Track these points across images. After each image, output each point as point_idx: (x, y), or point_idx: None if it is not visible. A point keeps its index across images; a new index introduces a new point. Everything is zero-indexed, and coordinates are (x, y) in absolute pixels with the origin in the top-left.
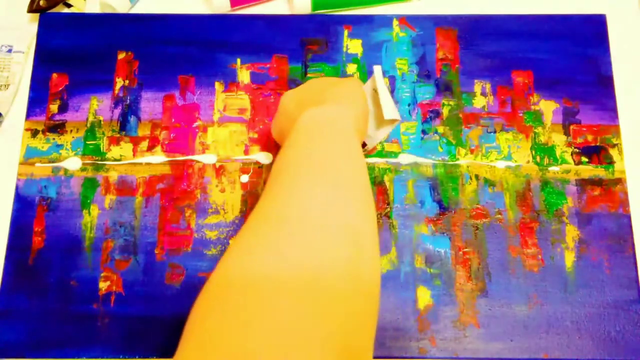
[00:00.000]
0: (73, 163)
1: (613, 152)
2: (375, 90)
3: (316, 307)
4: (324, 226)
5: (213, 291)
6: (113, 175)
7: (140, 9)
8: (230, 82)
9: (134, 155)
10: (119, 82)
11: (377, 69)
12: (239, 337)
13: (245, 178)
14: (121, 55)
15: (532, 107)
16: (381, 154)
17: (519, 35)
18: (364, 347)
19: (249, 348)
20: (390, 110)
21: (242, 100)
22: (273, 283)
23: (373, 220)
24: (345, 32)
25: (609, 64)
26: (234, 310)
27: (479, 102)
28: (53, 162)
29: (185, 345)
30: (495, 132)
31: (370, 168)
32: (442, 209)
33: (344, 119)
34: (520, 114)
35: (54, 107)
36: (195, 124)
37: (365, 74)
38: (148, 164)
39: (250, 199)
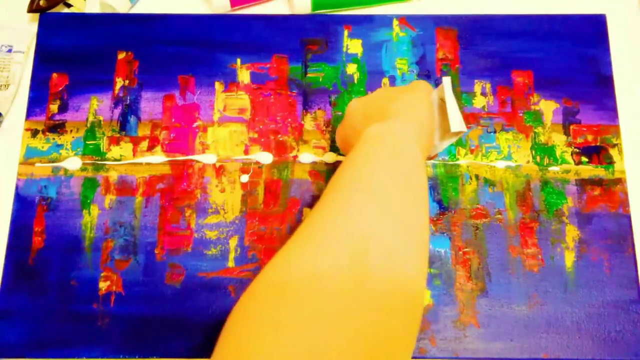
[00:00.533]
0: (73, 163)
1: (613, 152)
2: (442, 100)
3: (333, 313)
4: (348, 237)
5: (245, 300)
6: (113, 175)
7: (140, 9)
8: (230, 82)
9: (134, 155)
10: (119, 82)
11: (447, 80)
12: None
13: (245, 178)
14: (121, 55)
15: (532, 107)
16: None
17: (519, 35)
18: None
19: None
20: (457, 122)
21: (242, 100)
22: (302, 288)
23: (418, 241)
24: (345, 32)
25: (609, 64)
26: (263, 317)
27: (479, 102)
28: (53, 162)
29: (220, 349)
30: (495, 132)
31: None
32: (442, 208)
33: (407, 138)
34: (520, 114)
35: (54, 107)
36: (195, 124)
37: (365, 74)
38: (148, 164)
39: (250, 199)
